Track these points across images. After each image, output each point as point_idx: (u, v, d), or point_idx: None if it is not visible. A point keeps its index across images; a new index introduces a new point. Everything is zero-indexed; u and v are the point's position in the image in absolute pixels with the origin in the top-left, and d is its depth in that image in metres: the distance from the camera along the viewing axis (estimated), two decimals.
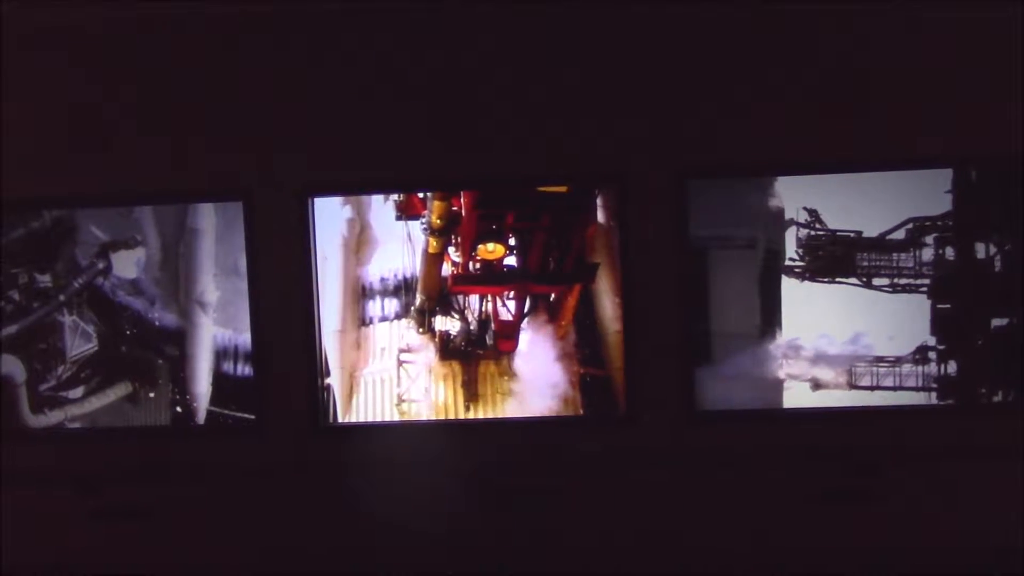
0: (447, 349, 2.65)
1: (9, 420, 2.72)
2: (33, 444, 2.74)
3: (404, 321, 2.65)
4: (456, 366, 2.65)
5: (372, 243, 2.65)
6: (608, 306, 2.61)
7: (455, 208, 2.61)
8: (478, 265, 2.62)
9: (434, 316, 2.64)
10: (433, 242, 2.62)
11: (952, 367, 2.53)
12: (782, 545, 2.52)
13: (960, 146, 2.51)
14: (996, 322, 2.52)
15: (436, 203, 2.61)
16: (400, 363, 2.66)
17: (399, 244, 2.64)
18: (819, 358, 2.56)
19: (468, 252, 2.61)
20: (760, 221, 2.55)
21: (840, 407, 2.56)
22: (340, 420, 2.68)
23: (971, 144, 2.50)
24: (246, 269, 2.65)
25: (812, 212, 2.53)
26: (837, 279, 2.54)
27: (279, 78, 2.67)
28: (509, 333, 2.62)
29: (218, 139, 2.68)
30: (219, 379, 2.69)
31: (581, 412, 2.63)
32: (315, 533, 2.63)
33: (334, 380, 2.67)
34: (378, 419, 2.67)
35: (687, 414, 2.60)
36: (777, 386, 2.58)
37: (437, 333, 2.65)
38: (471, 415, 2.65)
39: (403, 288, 2.65)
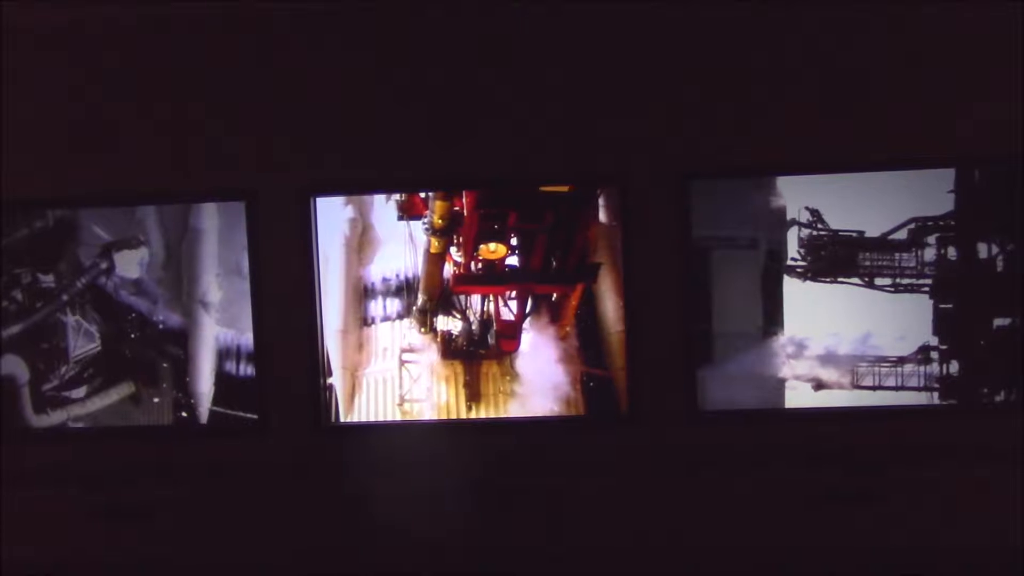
0: (449, 349, 2.65)
1: (12, 420, 2.72)
2: (36, 444, 2.75)
3: (406, 321, 2.65)
4: (458, 366, 2.65)
5: (374, 243, 2.65)
6: (610, 306, 2.61)
7: (457, 208, 2.61)
8: (480, 265, 2.62)
9: (436, 316, 2.64)
10: (435, 242, 2.62)
11: (954, 367, 2.53)
12: (783, 545, 2.52)
13: (961, 146, 2.50)
14: (998, 322, 2.51)
15: (438, 203, 2.61)
16: (402, 363, 2.66)
17: (401, 244, 2.64)
18: (821, 358, 2.55)
19: (470, 252, 2.61)
20: (762, 221, 2.55)
21: (842, 407, 2.56)
22: (342, 420, 2.68)
23: (972, 144, 2.50)
24: (248, 269, 2.66)
25: (814, 212, 2.53)
26: (839, 279, 2.54)
27: (280, 78, 2.67)
28: (511, 333, 2.63)
29: (220, 139, 2.69)
30: (221, 379, 2.69)
31: (583, 412, 2.63)
32: (317, 533, 2.63)
33: (336, 380, 2.68)
34: (380, 419, 2.67)
35: (689, 414, 2.60)
36: (779, 386, 2.57)
37: (439, 333, 2.65)
38: (473, 415, 2.65)
39: (405, 288, 2.65)
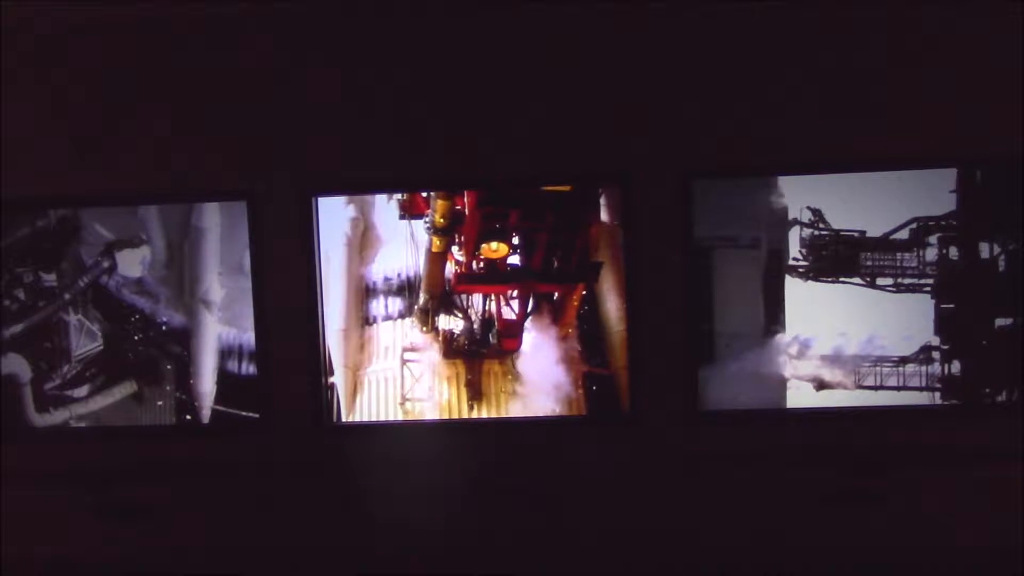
0: (451, 348, 2.65)
1: (14, 419, 2.73)
2: (37, 443, 2.75)
3: (408, 320, 2.65)
4: (460, 365, 2.65)
5: (376, 242, 2.65)
6: (611, 306, 2.61)
7: (459, 207, 2.61)
8: (482, 264, 2.62)
9: (438, 315, 2.65)
10: (437, 241, 2.62)
11: (956, 367, 2.52)
12: (785, 545, 2.52)
13: (961, 146, 2.50)
14: (1000, 322, 2.51)
15: (440, 202, 2.61)
16: (404, 362, 2.66)
17: (403, 243, 2.64)
18: (823, 358, 2.55)
19: (472, 251, 2.62)
20: (764, 221, 2.55)
21: (844, 407, 2.55)
22: (344, 419, 2.68)
23: (972, 144, 2.50)
24: (250, 268, 2.66)
25: (816, 212, 2.53)
26: (841, 279, 2.54)
27: (282, 78, 2.67)
28: (513, 332, 2.63)
29: (222, 139, 2.69)
30: (223, 378, 2.70)
31: (585, 411, 2.63)
32: (318, 532, 2.64)
33: (338, 379, 2.68)
34: (382, 418, 2.67)
35: (690, 413, 2.60)
36: (780, 386, 2.57)
37: (441, 332, 2.65)
38: (475, 414, 2.65)
39: (407, 287, 2.65)
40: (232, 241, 2.67)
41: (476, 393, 2.65)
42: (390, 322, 2.66)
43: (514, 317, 2.63)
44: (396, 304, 2.65)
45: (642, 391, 2.60)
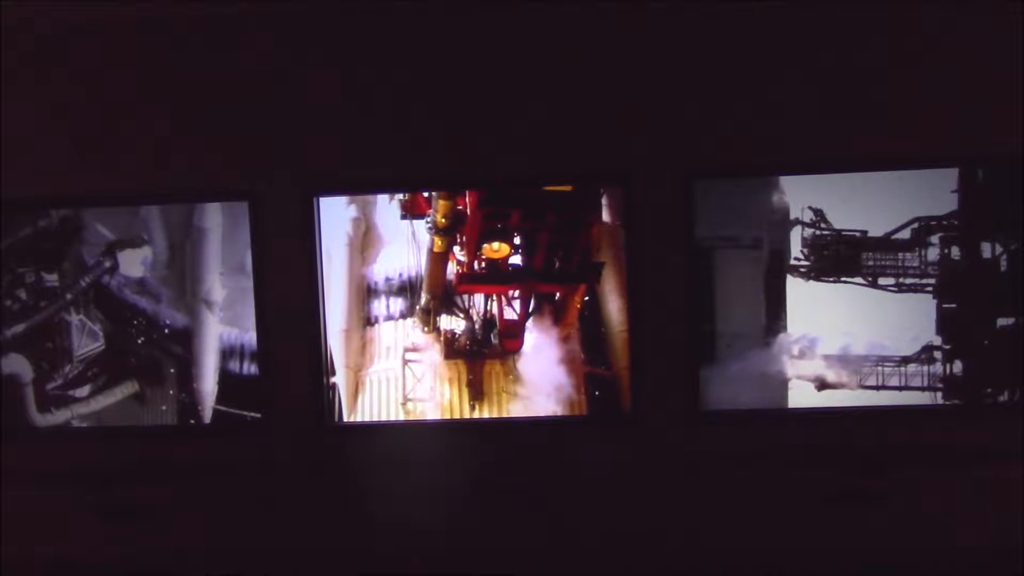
0: (452, 348, 2.65)
1: (16, 419, 2.72)
2: (37, 443, 2.75)
3: (409, 320, 2.65)
4: (461, 365, 2.65)
5: (377, 242, 2.65)
6: (613, 306, 2.61)
7: (460, 207, 2.61)
8: (483, 264, 2.62)
9: (439, 315, 2.65)
10: (438, 241, 2.62)
11: (958, 367, 2.53)
12: (786, 545, 2.52)
13: (961, 146, 2.51)
14: (1002, 322, 2.51)
15: (441, 202, 2.61)
16: (405, 362, 2.66)
17: (404, 243, 2.64)
18: (824, 358, 2.55)
19: (473, 251, 2.62)
20: (765, 221, 2.55)
21: (845, 407, 2.56)
22: (345, 419, 2.68)
23: (972, 144, 2.50)
24: (252, 268, 2.66)
25: (817, 212, 2.53)
26: (842, 279, 2.54)
27: (283, 78, 2.67)
28: (514, 332, 2.63)
29: (223, 139, 2.69)
30: (225, 378, 2.69)
31: (586, 412, 2.63)
32: (320, 532, 2.64)
33: (339, 379, 2.68)
34: (383, 418, 2.67)
35: (692, 414, 2.60)
36: (782, 386, 2.58)
37: (442, 332, 2.65)
38: (476, 414, 2.65)
39: (408, 287, 2.65)
40: (233, 241, 2.67)
41: (477, 393, 2.65)
42: (391, 322, 2.66)
43: (516, 317, 2.63)
44: (397, 304, 2.66)
45: (643, 391, 2.60)
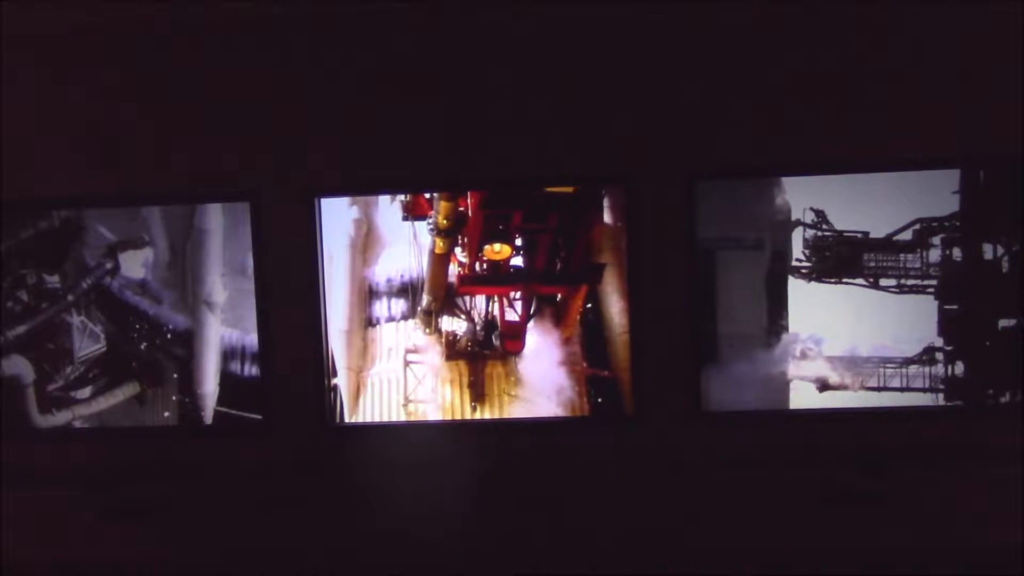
0: (453, 350, 2.65)
1: (17, 420, 2.72)
2: (38, 443, 2.75)
3: (411, 322, 2.65)
4: (462, 367, 2.65)
5: (379, 244, 2.65)
6: (615, 307, 2.61)
7: (462, 208, 2.61)
8: (485, 266, 2.62)
9: (440, 317, 2.65)
10: (440, 242, 2.62)
11: (959, 368, 2.53)
12: (787, 545, 2.52)
13: (961, 147, 2.51)
14: (1003, 323, 2.51)
15: (443, 203, 2.61)
16: (407, 364, 2.66)
17: (406, 244, 2.64)
18: (826, 359, 2.55)
19: (475, 252, 2.62)
20: (767, 222, 2.55)
21: (846, 408, 2.56)
22: (347, 420, 2.68)
23: (972, 144, 2.51)
24: (253, 269, 2.66)
25: (819, 213, 2.53)
26: (844, 280, 2.54)
27: (284, 78, 2.67)
28: (515, 334, 2.63)
29: (224, 139, 2.69)
30: (226, 379, 2.69)
31: (587, 413, 2.63)
32: (321, 533, 2.64)
33: (341, 380, 2.68)
34: (384, 419, 2.67)
35: (693, 414, 2.60)
36: (783, 387, 2.58)
37: (443, 334, 2.65)
38: (477, 416, 2.65)
39: (409, 289, 2.65)
40: (235, 242, 2.67)
41: (479, 395, 2.65)
42: (393, 324, 2.66)
43: (517, 319, 2.63)
44: (399, 306, 2.65)
45: (645, 392, 2.61)
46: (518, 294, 2.62)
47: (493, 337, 2.64)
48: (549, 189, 2.60)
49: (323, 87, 2.67)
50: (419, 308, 2.65)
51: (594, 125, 2.62)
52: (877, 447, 2.55)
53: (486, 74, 2.64)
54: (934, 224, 2.50)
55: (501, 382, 2.64)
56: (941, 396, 2.54)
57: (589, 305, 2.61)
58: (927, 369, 2.53)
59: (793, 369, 2.57)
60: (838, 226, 2.53)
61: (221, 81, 2.68)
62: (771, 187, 2.55)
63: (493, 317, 2.64)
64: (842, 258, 2.54)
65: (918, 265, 2.52)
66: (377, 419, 2.67)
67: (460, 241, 2.62)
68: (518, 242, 2.61)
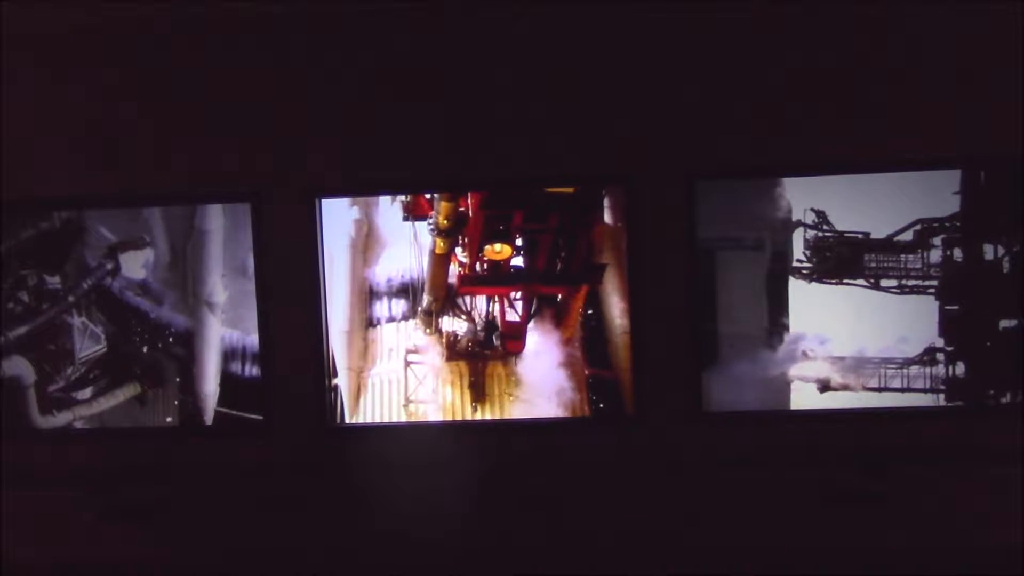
0: (454, 350, 2.65)
1: (18, 421, 2.72)
2: (38, 444, 2.75)
3: (411, 322, 2.65)
4: (463, 367, 2.65)
5: (379, 244, 2.65)
6: (615, 307, 2.61)
7: (462, 209, 2.61)
8: (485, 266, 2.62)
9: (441, 317, 2.65)
10: (440, 243, 2.62)
11: (960, 369, 2.53)
12: (788, 545, 2.52)
13: (961, 147, 2.51)
14: (1004, 323, 2.52)
15: (443, 204, 2.61)
16: (407, 364, 2.66)
17: (406, 245, 2.64)
18: (827, 359, 2.55)
19: (475, 253, 2.62)
20: (767, 222, 2.55)
21: (847, 408, 2.56)
22: (347, 421, 2.68)
23: (972, 145, 2.51)
24: (254, 270, 2.65)
25: (820, 213, 2.53)
26: (845, 280, 2.54)
27: (284, 78, 2.67)
28: (516, 334, 2.63)
29: (224, 139, 2.69)
30: (227, 380, 2.69)
31: (588, 413, 2.63)
32: (321, 533, 2.64)
33: (341, 381, 2.68)
34: (385, 420, 2.67)
35: (694, 415, 2.60)
36: (784, 387, 2.58)
37: (444, 334, 2.65)
38: (478, 416, 2.65)
39: (410, 289, 2.65)
40: (235, 243, 2.67)
41: (479, 395, 2.65)
42: (393, 324, 2.66)
43: (517, 319, 2.63)
44: (400, 306, 2.65)
45: (645, 392, 2.61)
46: (519, 294, 2.62)
47: (494, 337, 2.64)
48: (550, 189, 2.60)
49: (323, 87, 2.67)
50: (420, 308, 2.65)
51: (594, 125, 2.62)
52: (877, 447, 2.55)
53: (486, 74, 2.64)
54: (935, 225, 2.50)
55: (502, 382, 2.64)
56: (942, 397, 2.54)
57: (591, 311, 2.61)
58: (928, 370, 2.53)
59: (794, 370, 2.57)
60: (839, 227, 2.53)
61: (221, 81, 2.68)
62: (771, 187, 2.55)
63: (494, 317, 2.64)
64: (843, 259, 2.54)
65: (919, 266, 2.52)
66: (378, 420, 2.67)
67: (461, 241, 2.62)
68: (519, 242, 2.61)
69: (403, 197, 2.64)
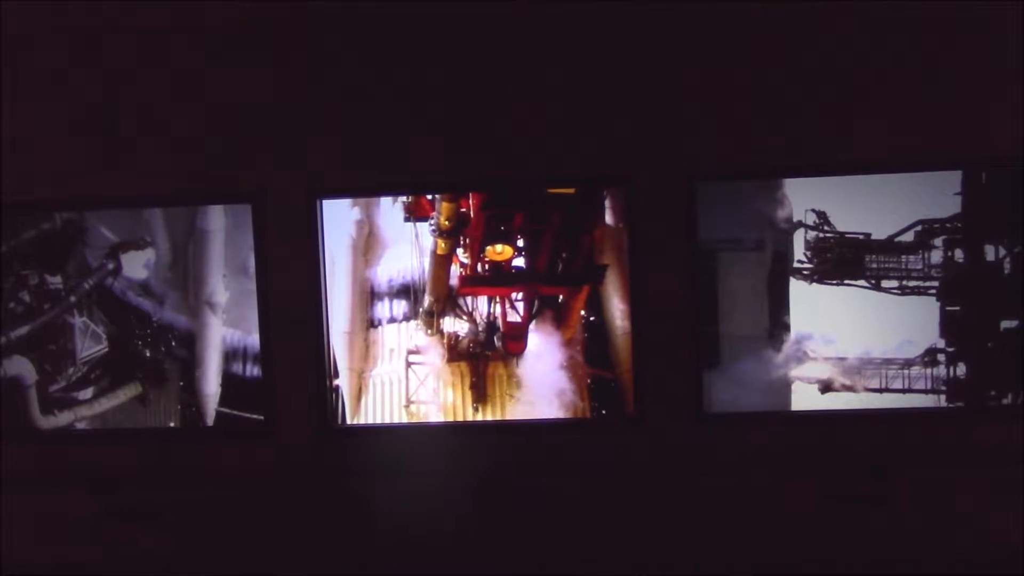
0: (455, 351, 2.65)
1: (19, 421, 2.72)
2: (39, 444, 2.75)
3: (412, 323, 2.65)
4: (464, 367, 2.65)
5: (380, 245, 2.65)
6: (616, 308, 2.61)
7: (464, 209, 2.61)
8: (486, 266, 2.62)
9: (442, 318, 2.65)
10: (442, 243, 2.62)
11: (961, 370, 2.53)
12: (788, 546, 2.52)
13: (962, 148, 2.51)
14: (1005, 324, 2.52)
15: (445, 204, 2.61)
16: (408, 365, 2.66)
17: (407, 246, 2.64)
18: (828, 360, 2.56)
19: (476, 253, 2.62)
20: (768, 223, 2.55)
21: (848, 409, 2.56)
22: (348, 421, 2.68)
23: (972, 145, 2.51)
24: (255, 270, 2.65)
25: (820, 214, 2.53)
26: (846, 281, 2.54)
27: (286, 79, 2.67)
28: (517, 334, 2.63)
29: (226, 141, 2.69)
30: (228, 380, 2.70)
31: (589, 414, 2.63)
32: (323, 534, 2.64)
33: (342, 381, 2.68)
34: (386, 421, 2.67)
35: (695, 416, 2.60)
36: (785, 388, 2.58)
37: (445, 335, 2.65)
38: (479, 417, 2.65)
39: (411, 290, 2.65)
40: (237, 243, 2.67)
41: (480, 396, 2.65)
42: (395, 324, 2.66)
43: (519, 320, 2.63)
44: (401, 307, 2.65)
45: (646, 393, 2.61)
46: (520, 295, 2.62)
47: (495, 338, 2.64)
48: (551, 190, 2.60)
49: (323, 87, 2.67)
50: (421, 309, 2.65)
51: (594, 125, 2.62)
52: (878, 448, 2.55)
53: (486, 75, 2.64)
54: (935, 225, 2.50)
55: (503, 383, 2.64)
56: (943, 397, 2.54)
57: (591, 304, 2.61)
58: (929, 370, 2.53)
59: (795, 371, 2.57)
60: (839, 227, 2.54)
61: (223, 82, 2.68)
62: (772, 188, 2.55)
63: (495, 318, 2.64)
64: (844, 259, 2.54)
65: (920, 266, 2.52)
66: (379, 420, 2.67)
67: (462, 242, 2.62)
68: (520, 243, 2.61)
69: (404, 198, 2.64)
